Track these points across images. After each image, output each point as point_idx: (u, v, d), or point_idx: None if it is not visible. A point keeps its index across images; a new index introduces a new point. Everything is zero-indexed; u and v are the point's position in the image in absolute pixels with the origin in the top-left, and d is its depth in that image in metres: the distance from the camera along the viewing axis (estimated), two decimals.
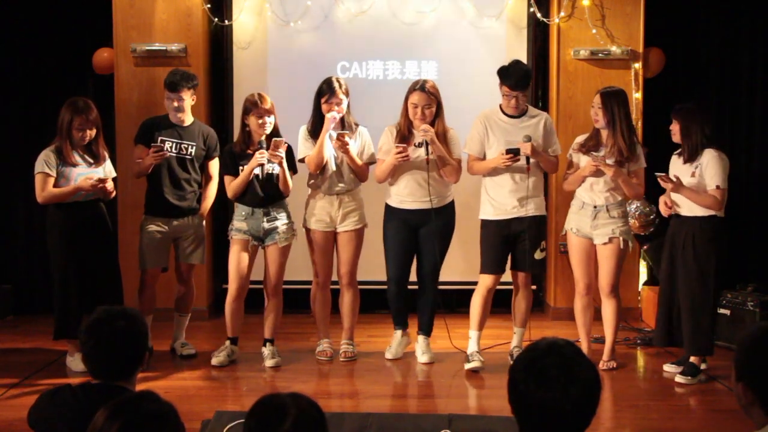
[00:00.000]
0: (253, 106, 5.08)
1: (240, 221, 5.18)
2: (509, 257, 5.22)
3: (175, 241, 5.37)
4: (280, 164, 5.02)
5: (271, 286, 5.24)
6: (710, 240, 4.90)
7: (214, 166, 5.44)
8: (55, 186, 4.96)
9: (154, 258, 5.30)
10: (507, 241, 5.14)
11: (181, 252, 5.39)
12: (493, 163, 5.06)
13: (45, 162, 4.93)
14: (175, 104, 5.23)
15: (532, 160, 5.03)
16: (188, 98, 5.27)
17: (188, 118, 5.32)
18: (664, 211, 5.06)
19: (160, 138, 5.22)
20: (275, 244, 5.17)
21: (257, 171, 5.07)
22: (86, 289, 4.99)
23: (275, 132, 5.14)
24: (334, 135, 5.12)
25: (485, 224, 5.19)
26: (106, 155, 5.15)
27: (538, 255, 5.15)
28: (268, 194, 5.14)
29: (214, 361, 5.19)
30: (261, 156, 4.99)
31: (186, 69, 5.57)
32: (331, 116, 5.10)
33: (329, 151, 5.21)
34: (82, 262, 4.99)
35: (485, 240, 5.19)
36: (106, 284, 5.07)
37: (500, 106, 5.16)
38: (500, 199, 5.11)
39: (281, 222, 5.19)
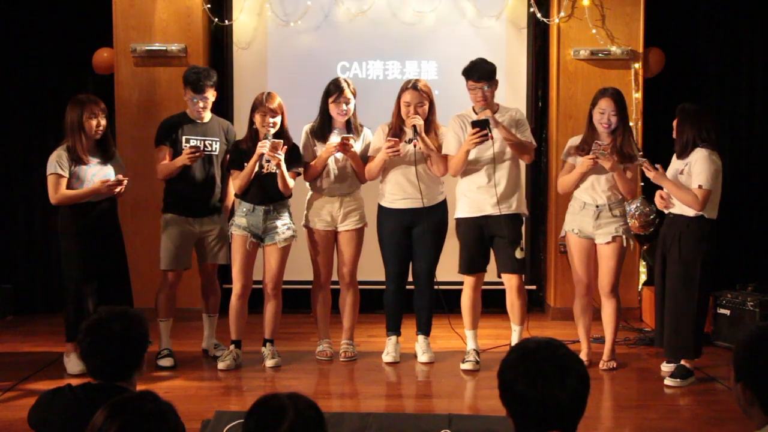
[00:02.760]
0: (259, 104, 5.08)
1: (240, 217, 5.18)
2: (492, 258, 5.21)
3: (198, 241, 5.33)
4: (278, 166, 5.01)
5: (271, 287, 5.24)
6: (697, 241, 4.82)
7: None
8: (67, 187, 4.92)
9: (181, 259, 5.28)
10: (483, 240, 5.14)
11: (207, 252, 5.34)
12: (464, 146, 5.00)
13: (57, 163, 4.89)
14: (201, 104, 5.20)
15: (507, 154, 5.04)
16: (211, 96, 5.27)
17: (208, 115, 5.31)
18: (659, 204, 5.00)
19: (184, 137, 5.20)
20: (274, 244, 5.17)
21: (258, 167, 5.08)
22: (100, 289, 4.95)
23: (283, 132, 5.12)
24: (338, 138, 5.13)
25: (459, 222, 5.20)
26: (116, 152, 5.12)
27: (518, 254, 5.11)
28: (269, 192, 5.13)
29: (221, 365, 5.17)
30: (261, 145, 4.98)
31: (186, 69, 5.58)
32: (334, 146, 5.09)
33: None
34: (95, 262, 4.95)
35: (460, 239, 5.21)
36: (118, 285, 5.05)
37: (473, 108, 5.16)
38: (474, 196, 5.11)
39: (281, 222, 5.18)
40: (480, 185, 5.09)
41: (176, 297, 5.37)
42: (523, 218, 5.28)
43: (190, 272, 5.61)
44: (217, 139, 5.29)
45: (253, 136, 5.12)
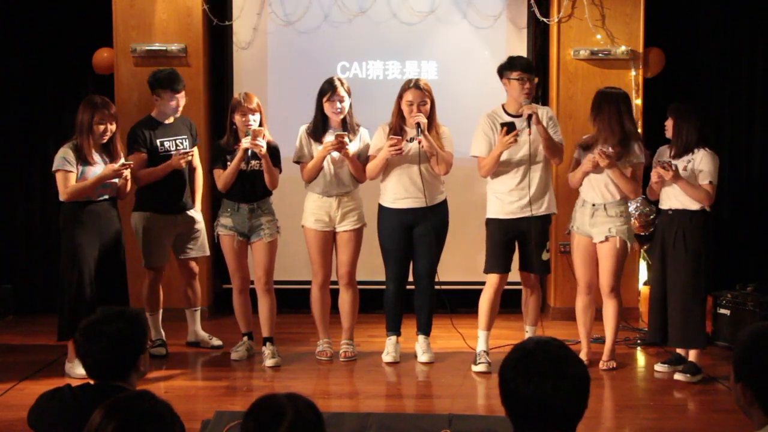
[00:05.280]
0: (238, 104, 5.16)
1: (226, 217, 5.25)
2: (517, 257, 5.22)
3: (176, 237, 5.45)
4: (261, 154, 5.06)
5: (262, 283, 5.28)
6: (701, 235, 4.95)
7: (197, 154, 5.55)
8: None
9: (163, 255, 5.41)
10: (512, 241, 5.14)
11: (185, 248, 5.48)
12: (497, 150, 5.01)
13: (64, 158, 4.89)
14: (176, 104, 5.33)
15: (540, 155, 5.04)
16: (184, 96, 5.41)
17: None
18: (656, 178, 5.00)
19: (158, 140, 5.31)
20: (261, 240, 5.22)
21: (242, 166, 5.14)
22: (98, 287, 4.95)
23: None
24: (332, 136, 5.13)
25: (490, 222, 5.20)
26: (122, 153, 5.15)
27: (544, 256, 5.15)
28: (253, 190, 5.20)
29: (234, 356, 5.33)
30: (245, 140, 5.05)
31: (186, 68, 5.75)
32: (330, 144, 5.10)
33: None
34: (96, 262, 4.95)
35: (490, 239, 5.20)
36: (115, 285, 5.06)
37: (503, 106, 5.17)
38: (506, 198, 5.11)
39: (266, 219, 5.25)
40: (512, 187, 5.09)
41: (159, 292, 5.49)
42: (552, 217, 5.29)
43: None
44: (186, 136, 5.42)
45: (233, 136, 5.20)
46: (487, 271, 5.21)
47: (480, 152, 5.15)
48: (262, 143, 5.04)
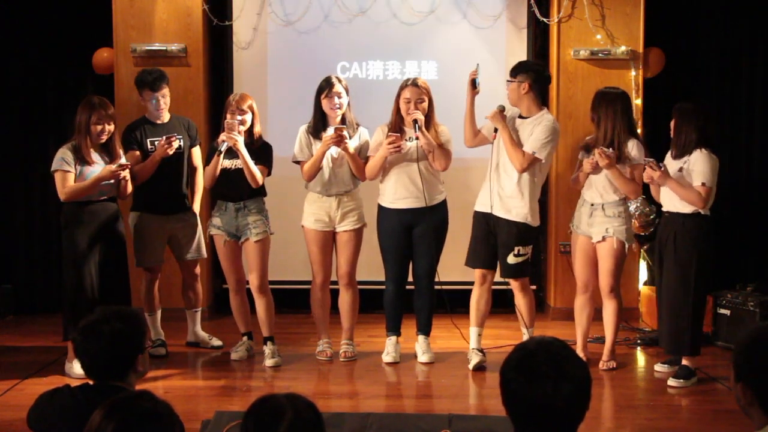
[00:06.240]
0: (229, 103, 5.17)
1: (216, 217, 5.29)
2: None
3: (172, 239, 5.44)
4: (235, 147, 5.04)
5: (257, 283, 5.26)
6: (693, 238, 4.85)
7: (197, 154, 5.54)
8: None
9: (154, 255, 5.40)
10: (489, 236, 5.15)
11: (180, 249, 5.47)
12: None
13: (62, 159, 4.91)
14: (161, 102, 5.33)
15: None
16: (168, 94, 5.39)
17: (167, 115, 5.42)
18: (647, 178, 4.97)
19: (148, 140, 5.31)
20: (248, 240, 5.21)
21: (228, 164, 5.14)
22: (100, 289, 4.95)
23: (252, 132, 5.19)
24: (332, 130, 5.13)
25: (474, 214, 5.26)
26: (121, 153, 5.15)
27: (511, 260, 5.08)
28: (238, 188, 5.18)
29: (234, 356, 5.33)
30: (223, 134, 5.06)
31: (186, 68, 5.73)
32: (329, 138, 5.08)
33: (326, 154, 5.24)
34: (97, 261, 4.96)
35: (472, 231, 5.26)
36: (117, 285, 5.06)
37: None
38: (483, 191, 5.17)
39: (252, 218, 5.21)
40: (486, 182, 5.14)
41: (157, 292, 5.50)
42: (526, 226, 5.10)
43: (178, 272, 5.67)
44: (180, 136, 5.38)
45: None
46: (466, 263, 5.26)
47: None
48: (238, 138, 5.03)
